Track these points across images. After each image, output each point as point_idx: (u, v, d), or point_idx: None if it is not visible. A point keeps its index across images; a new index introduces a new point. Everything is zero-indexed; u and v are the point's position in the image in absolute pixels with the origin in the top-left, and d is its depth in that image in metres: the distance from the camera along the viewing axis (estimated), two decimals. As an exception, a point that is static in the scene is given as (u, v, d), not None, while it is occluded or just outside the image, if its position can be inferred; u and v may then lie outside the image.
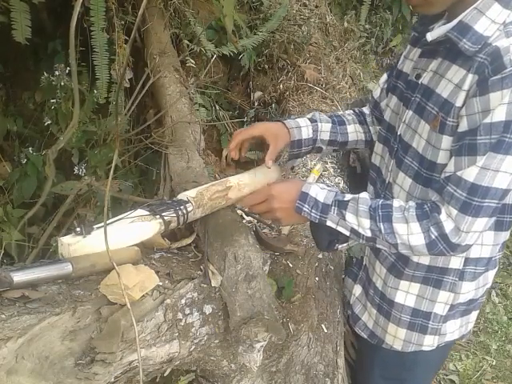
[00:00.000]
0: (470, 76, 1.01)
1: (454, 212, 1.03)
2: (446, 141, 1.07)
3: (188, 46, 2.27)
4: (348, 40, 3.16)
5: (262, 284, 1.28)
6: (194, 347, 1.20)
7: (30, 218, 1.77)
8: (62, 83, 1.95)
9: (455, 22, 1.04)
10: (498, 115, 0.95)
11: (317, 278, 1.57)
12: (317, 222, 1.18)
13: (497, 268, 1.31)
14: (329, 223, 1.17)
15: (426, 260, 1.22)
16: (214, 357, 1.26)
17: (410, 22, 3.77)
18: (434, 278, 1.23)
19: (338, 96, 2.59)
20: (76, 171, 2.01)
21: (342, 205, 1.15)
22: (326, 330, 1.45)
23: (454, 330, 1.30)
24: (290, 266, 1.56)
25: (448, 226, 1.04)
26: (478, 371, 2.54)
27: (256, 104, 2.68)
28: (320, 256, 1.66)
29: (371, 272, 1.38)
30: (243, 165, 2.57)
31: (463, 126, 1.02)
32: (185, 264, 1.30)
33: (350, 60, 2.96)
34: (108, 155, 1.97)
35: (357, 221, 1.13)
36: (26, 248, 1.84)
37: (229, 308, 1.23)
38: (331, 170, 2.11)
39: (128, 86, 2.10)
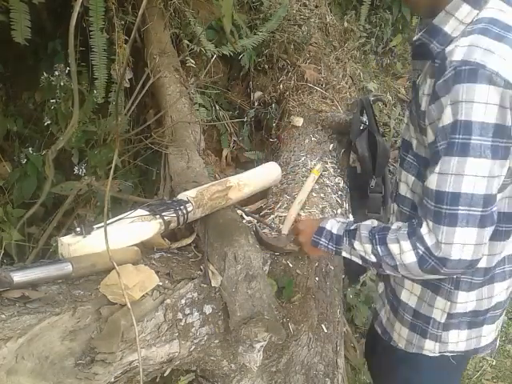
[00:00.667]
0: (429, 80, 1.03)
1: (431, 224, 1.02)
2: (427, 142, 1.08)
3: (188, 45, 2.27)
4: (348, 40, 3.16)
5: (262, 284, 1.28)
6: (194, 347, 1.20)
7: (30, 218, 1.78)
8: (62, 83, 1.95)
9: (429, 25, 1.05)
10: (446, 118, 0.96)
11: (317, 278, 1.57)
12: (334, 253, 1.22)
13: (507, 281, 1.25)
14: (344, 254, 1.20)
15: None
16: (214, 357, 1.26)
17: (410, 22, 3.78)
18: (432, 282, 1.21)
19: (338, 96, 2.58)
20: (76, 171, 2.01)
21: (350, 234, 1.18)
22: (326, 330, 1.45)
23: (457, 340, 1.27)
24: (290, 266, 1.56)
25: (430, 239, 1.03)
26: (478, 371, 2.54)
27: (256, 104, 2.68)
28: (320, 256, 1.66)
29: None
30: (243, 165, 2.57)
31: (430, 137, 1.03)
32: (185, 264, 1.30)
33: (350, 60, 2.95)
34: (108, 155, 1.97)
35: (362, 247, 1.14)
36: (26, 248, 1.84)
37: (229, 308, 1.23)
38: (331, 170, 2.10)
39: (128, 85, 2.10)
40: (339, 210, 1.94)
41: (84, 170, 2.01)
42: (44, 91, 2.08)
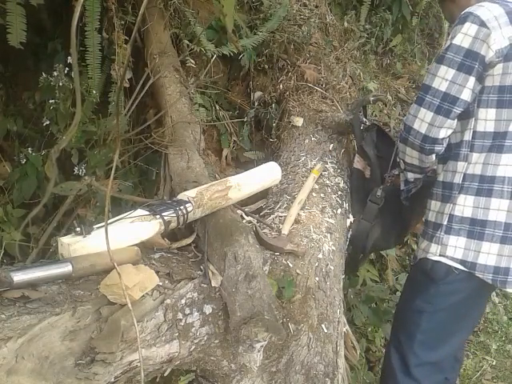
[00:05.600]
0: None
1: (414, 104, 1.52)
2: None
3: (188, 45, 2.27)
4: (348, 40, 3.15)
5: (262, 284, 1.28)
6: (194, 347, 1.20)
7: (30, 218, 1.77)
8: (61, 83, 1.94)
9: None
10: (445, 45, 1.49)
11: (317, 278, 1.57)
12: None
13: (506, 201, 1.44)
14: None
15: (440, 177, 1.59)
16: (214, 357, 1.26)
17: (410, 22, 3.77)
18: (446, 194, 1.55)
19: (338, 96, 2.58)
20: (76, 171, 2.01)
21: None
22: (325, 330, 1.45)
23: (455, 245, 1.51)
24: (290, 265, 1.56)
25: (408, 114, 1.53)
26: (477, 371, 2.54)
27: (256, 104, 2.68)
28: (320, 256, 1.65)
29: None
30: (243, 165, 2.57)
31: None
32: (185, 264, 1.30)
33: (350, 60, 2.95)
34: (108, 155, 1.96)
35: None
36: (26, 248, 1.84)
37: (229, 308, 1.23)
38: (331, 170, 2.10)
39: (128, 85, 2.10)
40: (339, 210, 1.94)
41: (84, 170, 2.00)
42: (43, 91, 2.08)
